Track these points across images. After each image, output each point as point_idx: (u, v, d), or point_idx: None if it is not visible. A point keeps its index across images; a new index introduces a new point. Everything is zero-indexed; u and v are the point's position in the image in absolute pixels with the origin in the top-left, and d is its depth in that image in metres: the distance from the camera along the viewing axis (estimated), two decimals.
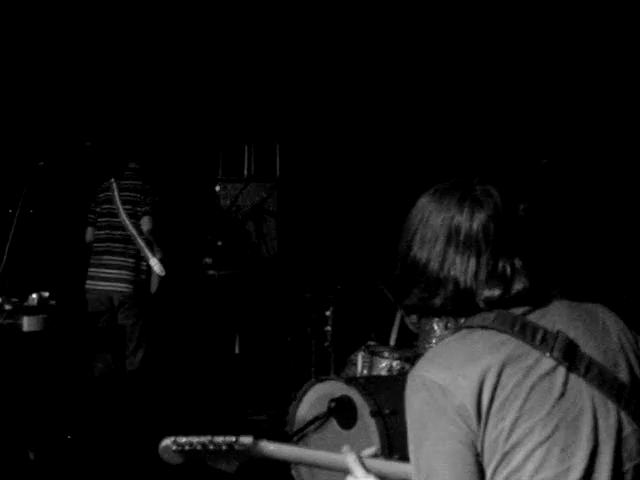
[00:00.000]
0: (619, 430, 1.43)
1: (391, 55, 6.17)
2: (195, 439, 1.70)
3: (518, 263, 1.51)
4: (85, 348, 4.31)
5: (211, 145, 6.75)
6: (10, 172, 5.49)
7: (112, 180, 5.42)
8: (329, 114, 6.55)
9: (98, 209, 5.45)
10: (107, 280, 5.28)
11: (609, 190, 5.41)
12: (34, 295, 4.18)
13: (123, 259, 5.28)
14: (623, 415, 1.44)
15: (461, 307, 1.52)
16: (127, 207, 5.27)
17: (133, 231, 5.18)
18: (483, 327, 1.48)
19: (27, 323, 3.99)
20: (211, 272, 5.86)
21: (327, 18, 6.18)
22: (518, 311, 1.49)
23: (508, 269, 1.50)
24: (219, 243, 6.22)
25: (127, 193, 5.35)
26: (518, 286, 1.49)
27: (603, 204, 5.41)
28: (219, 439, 1.69)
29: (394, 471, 1.66)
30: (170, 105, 6.57)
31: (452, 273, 1.50)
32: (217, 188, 6.66)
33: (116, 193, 5.31)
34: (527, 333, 1.45)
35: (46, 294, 4.20)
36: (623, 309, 1.67)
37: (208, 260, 5.96)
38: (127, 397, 5.11)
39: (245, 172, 6.70)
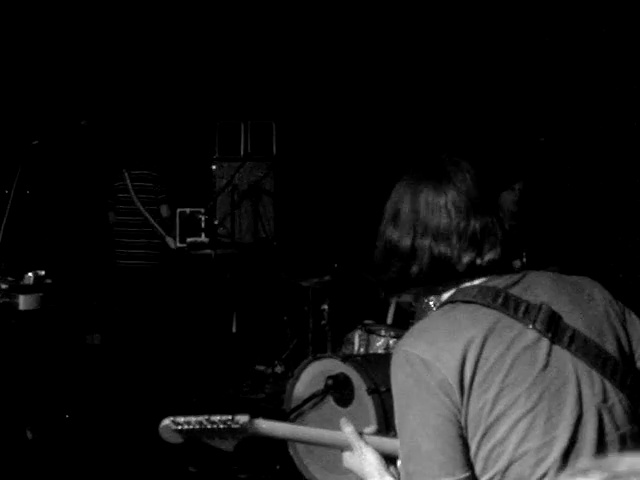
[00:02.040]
0: (604, 400, 1.43)
1: (386, 34, 6.13)
2: (193, 418, 1.71)
3: (488, 225, 1.54)
4: (81, 326, 4.32)
5: (207, 124, 6.71)
6: (4, 152, 5.47)
7: (124, 170, 5.89)
8: (325, 93, 6.52)
9: (117, 195, 5.94)
10: (127, 258, 5.84)
11: (606, 168, 5.39)
12: (30, 274, 4.17)
13: (137, 240, 5.82)
14: (608, 385, 1.44)
15: (438, 274, 1.55)
16: (141, 196, 5.82)
17: (148, 215, 5.79)
18: (466, 301, 1.49)
19: (23, 302, 3.99)
20: (208, 251, 5.85)
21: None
22: (501, 284, 1.50)
23: (478, 231, 1.53)
24: (215, 222, 6.21)
25: (140, 183, 5.86)
26: (488, 247, 1.53)
27: (600, 182, 5.40)
28: (216, 418, 1.70)
29: (391, 447, 1.66)
30: (167, 84, 6.53)
31: (425, 241, 1.54)
32: (213, 167, 6.64)
33: (128, 182, 5.83)
34: (510, 306, 1.46)
35: (42, 273, 4.20)
36: (618, 287, 1.67)
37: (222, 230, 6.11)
38: (124, 376, 5.13)
39: (241, 151, 6.67)
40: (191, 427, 1.71)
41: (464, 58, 5.91)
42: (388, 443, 1.67)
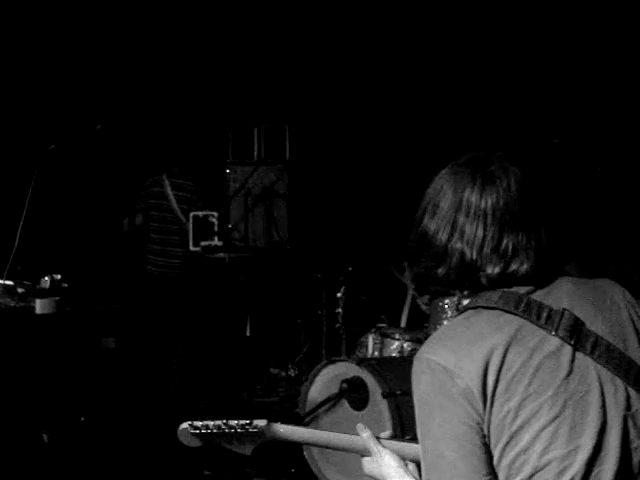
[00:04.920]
0: (627, 407, 1.42)
1: (400, 34, 6.13)
2: (211, 423, 1.74)
3: (522, 241, 1.50)
4: (96, 330, 4.34)
5: (221, 128, 6.74)
6: (21, 156, 5.51)
7: (164, 176, 5.81)
8: (338, 96, 6.52)
9: (151, 201, 5.86)
10: (164, 267, 5.80)
11: (622, 170, 5.37)
12: (46, 278, 4.20)
13: (177, 249, 5.79)
14: (632, 392, 1.43)
15: (464, 280, 1.52)
16: (183, 206, 5.78)
17: (187, 223, 5.74)
18: (487, 307, 1.47)
19: (40, 306, 4.02)
20: (222, 255, 5.87)
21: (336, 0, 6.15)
22: (522, 290, 1.48)
23: (510, 247, 1.49)
24: (229, 226, 6.23)
25: (182, 193, 5.80)
26: (516, 265, 1.49)
27: (615, 184, 5.38)
28: (234, 422, 1.72)
29: (408, 452, 1.67)
30: (180, 88, 6.55)
31: (458, 245, 1.50)
32: (227, 171, 6.66)
33: (169, 190, 5.77)
34: (532, 312, 1.44)
35: (58, 277, 4.22)
36: (635, 289, 1.66)
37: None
38: (139, 379, 5.15)
39: (255, 155, 6.69)
40: (209, 431, 1.73)
41: (477, 60, 5.91)
42: (405, 447, 1.68)
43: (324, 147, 6.64)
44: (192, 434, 1.75)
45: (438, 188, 1.56)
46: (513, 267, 1.49)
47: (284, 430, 1.75)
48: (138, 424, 4.64)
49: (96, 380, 4.33)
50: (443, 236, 1.51)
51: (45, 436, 4.06)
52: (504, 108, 5.79)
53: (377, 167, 6.44)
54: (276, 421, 1.77)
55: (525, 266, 1.49)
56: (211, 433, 1.73)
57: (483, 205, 1.50)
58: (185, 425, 1.76)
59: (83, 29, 6.10)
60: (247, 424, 1.72)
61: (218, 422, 1.73)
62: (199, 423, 1.74)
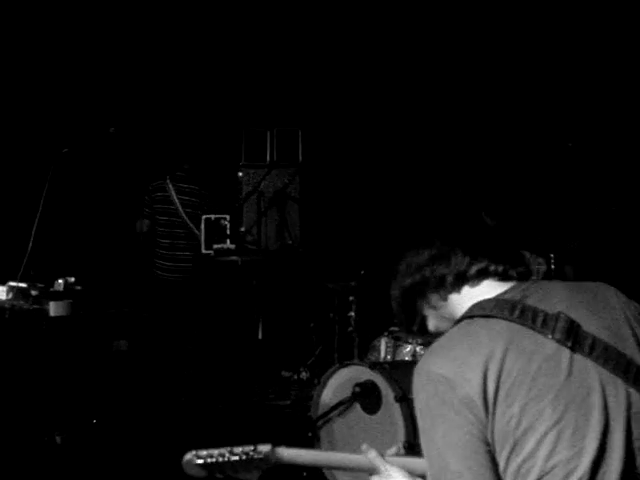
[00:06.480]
0: (629, 407, 1.42)
1: (415, 39, 6.13)
2: (215, 451, 1.71)
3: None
4: (109, 333, 4.36)
5: (234, 131, 6.75)
6: (35, 159, 5.54)
7: (168, 181, 5.86)
8: (351, 100, 6.53)
9: (156, 206, 5.91)
10: (173, 271, 5.87)
11: (636, 174, 5.34)
12: (60, 280, 4.22)
13: (187, 253, 5.87)
14: (632, 391, 1.43)
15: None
16: (188, 210, 5.84)
17: (196, 231, 5.79)
18: (483, 316, 1.49)
19: (53, 308, 4.03)
20: (234, 258, 5.87)
21: (349, 1, 6.15)
22: (517, 296, 1.51)
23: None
24: (242, 229, 6.23)
25: (187, 197, 5.87)
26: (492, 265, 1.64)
27: (629, 187, 5.35)
28: (238, 449, 1.70)
29: (413, 467, 1.67)
30: (194, 91, 6.57)
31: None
32: (240, 174, 6.68)
33: (174, 194, 5.83)
34: (527, 317, 1.46)
35: (72, 279, 4.24)
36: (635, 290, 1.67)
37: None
38: (151, 382, 5.16)
39: (268, 158, 6.69)
40: (214, 460, 1.70)
41: (491, 64, 5.90)
42: (409, 462, 1.67)
43: (336, 150, 6.64)
44: (197, 465, 1.72)
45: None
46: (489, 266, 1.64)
47: (288, 454, 1.73)
48: (149, 426, 4.64)
49: (108, 382, 4.34)
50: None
51: (58, 438, 4.07)
52: (519, 112, 5.77)
53: (389, 170, 6.43)
54: (281, 445, 1.75)
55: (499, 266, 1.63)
56: (216, 462, 1.70)
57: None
58: (189, 456, 1.73)
59: (96, 33, 6.13)
60: (251, 450, 1.69)
61: (222, 450, 1.70)
62: (203, 452, 1.71)
